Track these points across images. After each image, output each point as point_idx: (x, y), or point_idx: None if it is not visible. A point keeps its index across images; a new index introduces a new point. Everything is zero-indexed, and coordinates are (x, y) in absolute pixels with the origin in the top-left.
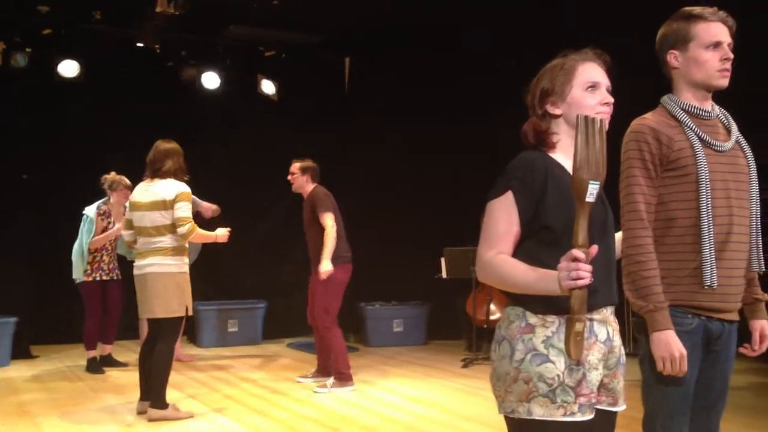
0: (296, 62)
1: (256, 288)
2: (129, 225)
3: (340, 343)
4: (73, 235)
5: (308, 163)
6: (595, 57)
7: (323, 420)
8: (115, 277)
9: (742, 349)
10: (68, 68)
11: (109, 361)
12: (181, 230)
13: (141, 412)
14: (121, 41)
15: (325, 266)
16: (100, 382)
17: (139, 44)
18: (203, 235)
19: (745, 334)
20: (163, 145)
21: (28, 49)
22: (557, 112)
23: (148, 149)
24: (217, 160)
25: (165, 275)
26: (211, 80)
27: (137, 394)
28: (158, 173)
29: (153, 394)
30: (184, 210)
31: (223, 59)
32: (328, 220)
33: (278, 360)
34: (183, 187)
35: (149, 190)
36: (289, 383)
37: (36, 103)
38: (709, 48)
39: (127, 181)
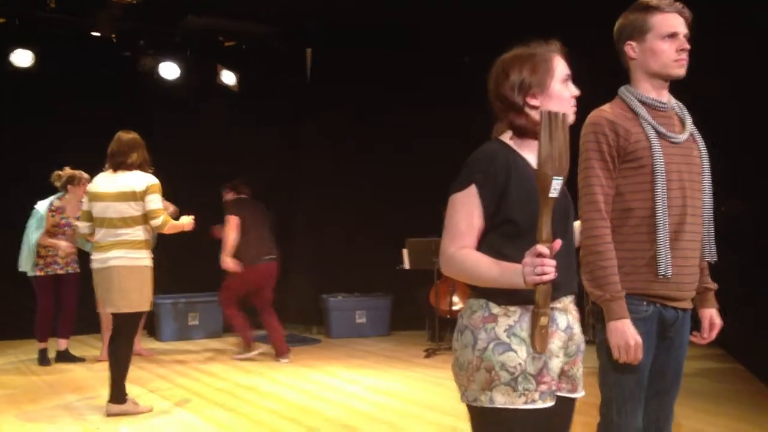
0: (257, 53)
1: (216, 281)
2: (87, 217)
3: (238, 321)
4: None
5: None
6: (561, 49)
7: (286, 412)
8: (71, 271)
9: (692, 337)
10: (22, 58)
11: (66, 357)
12: (155, 222)
13: (111, 414)
14: (77, 30)
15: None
16: (57, 378)
17: (95, 33)
18: (174, 226)
19: (695, 322)
20: (126, 136)
21: None
22: (537, 104)
23: (104, 141)
24: (176, 151)
25: (134, 269)
26: (169, 70)
27: (96, 391)
28: (123, 165)
29: (112, 388)
30: (156, 202)
31: (182, 49)
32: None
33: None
34: (153, 179)
35: (115, 181)
36: (251, 376)
37: None
38: (665, 38)
39: (88, 176)
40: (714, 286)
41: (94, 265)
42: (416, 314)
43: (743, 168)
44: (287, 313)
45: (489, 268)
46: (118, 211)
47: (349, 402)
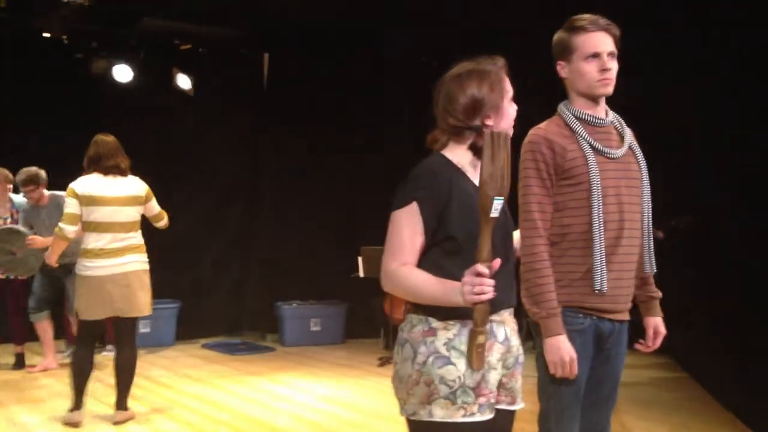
0: (213, 57)
1: (168, 287)
2: (76, 220)
3: None
4: None
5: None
6: (505, 67)
7: (234, 423)
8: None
9: (637, 346)
10: None
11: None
12: (163, 223)
13: (119, 422)
14: (27, 31)
15: None
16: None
17: (46, 35)
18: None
19: (640, 331)
20: (109, 139)
21: None
22: (491, 123)
23: (57, 143)
24: (130, 155)
25: (147, 273)
26: (123, 73)
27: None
28: (116, 170)
29: (123, 396)
30: (157, 205)
31: (135, 52)
32: None
33: (190, 361)
34: (145, 184)
35: (117, 186)
36: (200, 385)
37: None
38: (588, 59)
39: (8, 173)
40: (658, 294)
41: (102, 272)
42: (371, 322)
43: (697, 182)
44: (242, 321)
45: (429, 287)
46: (128, 215)
47: (299, 412)
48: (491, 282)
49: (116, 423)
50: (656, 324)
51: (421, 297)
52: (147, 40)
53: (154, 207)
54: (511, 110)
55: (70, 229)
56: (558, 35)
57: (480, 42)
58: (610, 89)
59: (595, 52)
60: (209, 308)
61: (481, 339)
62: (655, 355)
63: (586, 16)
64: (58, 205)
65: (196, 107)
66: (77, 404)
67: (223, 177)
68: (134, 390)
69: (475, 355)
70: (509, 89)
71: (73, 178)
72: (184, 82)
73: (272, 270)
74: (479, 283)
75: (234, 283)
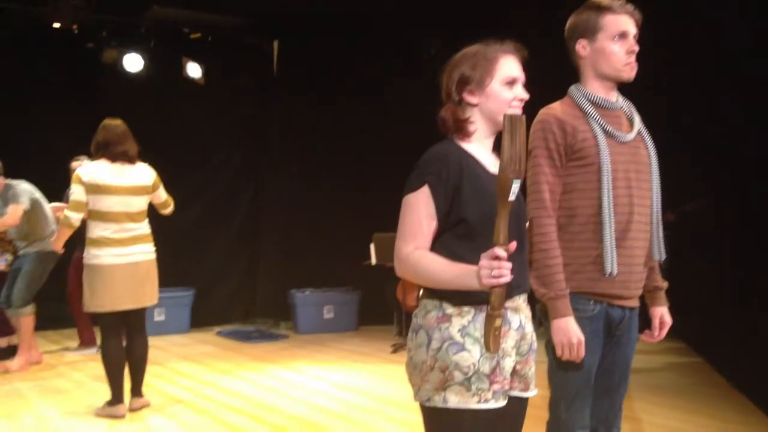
0: (223, 45)
1: (183, 275)
2: (81, 208)
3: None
4: None
5: None
6: (515, 51)
7: (248, 410)
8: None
9: (643, 336)
10: None
11: None
12: (168, 211)
13: (135, 409)
14: (37, 21)
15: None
16: None
17: (56, 25)
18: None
19: (646, 321)
20: (116, 124)
21: None
22: (474, 101)
23: (66, 133)
24: (141, 145)
25: (154, 263)
26: (133, 62)
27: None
28: (124, 157)
29: (138, 383)
30: (164, 192)
31: (146, 41)
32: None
33: (205, 349)
34: (153, 171)
35: (125, 174)
36: (215, 373)
37: None
38: (615, 39)
39: None
40: (664, 284)
41: (109, 260)
42: (384, 309)
43: (709, 167)
44: (255, 309)
45: (444, 271)
46: (136, 205)
47: (313, 399)
48: (508, 265)
49: (132, 410)
50: (662, 314)
51: (436, 281)
52: (157, 30)
53: (162, 195)
54: (503, 93)
55: (75, 217)
56: (581, 15)
57: (488, 28)
58: (632, 75)
59: (623, 31)
60: (223, 296)
61: (498, 322)
62: (668, 340)
63: None
64: (4, 196)
65: (206, 95)
66: (117, 397)
67: (234, 164)
68: (149, 377)
69: (492, 339)
70: (504, 71)
71: None
72: (194, 70)
73: (285, 257)
74: (497, 266)
75: (247, 271)
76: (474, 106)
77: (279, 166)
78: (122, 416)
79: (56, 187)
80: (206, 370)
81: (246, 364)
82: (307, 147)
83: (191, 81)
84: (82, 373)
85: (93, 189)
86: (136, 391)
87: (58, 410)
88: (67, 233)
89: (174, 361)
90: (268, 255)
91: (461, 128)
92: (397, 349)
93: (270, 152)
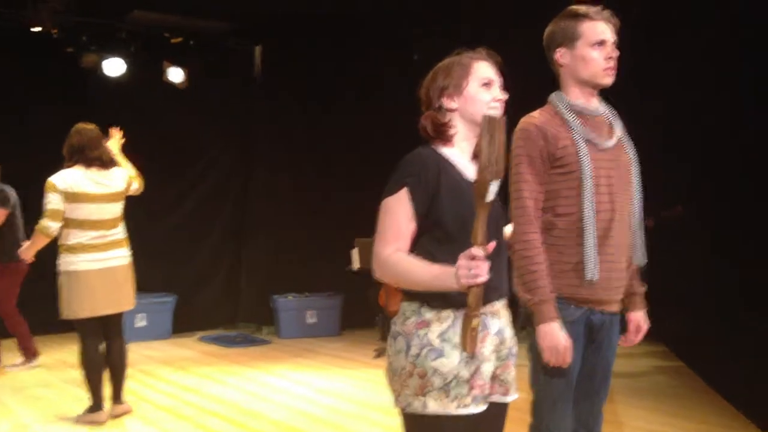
0: (205, 50)
1: (165, 281)
2: (59, 216)
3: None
4: None
5: None
6: (488, 56)
7: (231, 416)
8: None
9: (619, 341)
10: None
11: None
12: (140, 186)
13: (116, 415)
14: (16, 24)
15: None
16: None
17: (36, 28)
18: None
19: (623, 325)
20: (91, 128)
21: None
22: (453, 106)
23: (46, 138)
24: (123, 149)
25: (130, 267)
26: (114, 67)
27: None
28: (98, 162)
29: (120, 388)
30: (135, 181)
31: (126, 45)
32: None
33: (187, 354)
34: (124, 171)
35: (102, 182)
36: (197, 378)
37: None
38: (594, 46)
39: None
40: (642, 289)
41: (87, 266)
42: (367, 314)
43: (692, 171)
44: (238, 314)
45: (422, 272)
46: (112, 212)
47: (296, 404)
48: (486, 265)
49: (114, 416)
50: (638, 319)
51: (414, 282)
52: (137, 34)
53: (135, 187)
54: (483, 95)
55: (54, 226)
56: (558, 23)
57: (469, 34)
58: (611, 80)
59: (602, 40)
60: (205, 301)
61: (475, 322)
62: (649, 343)
63: (585, 6)
64: None
65: (188, 100)
66: (97, 403)
67: (216, 169)
68: (130, 383)
69: (469, 339)
70: (479, 74)
71: None
72: (175, 75)
73: (267, 262)
74: (475, 266)
75: (229, 276)
76: (453, 111)
77: (262, 171)
78: (103, 422)
79: (32, 191)
80: (188, 376)
81: (228, 369)
82: (290, 151)
83: (173, 85)
84: (62, 379)
85: (70, 198)
86: (117, 397)
87: (37, 417)
88: (43, 242)
89: (155, 367)
90: (251, 260)
91: (441, 132)
92: (380, 353)
93: (253, 157)
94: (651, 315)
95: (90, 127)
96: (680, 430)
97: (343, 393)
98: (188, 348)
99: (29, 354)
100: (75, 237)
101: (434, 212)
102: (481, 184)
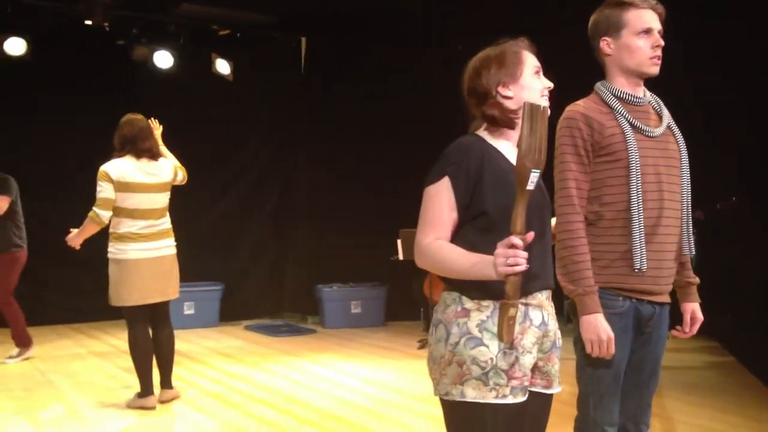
0: (252, 42)
1: (212, 270)
2: (110, 205)
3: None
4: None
5: None
6: (529, 45)
7: (276, 403)
8: None
9: (674, 332)
10: (15, 46)
11: None
12: (184, 176)
13: (165, 401)
14: (69, 18)
15: None
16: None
17: (88, 22)
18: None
19: (678, 317)
20: (141, 119)
21: None
22: (509, 94)
23: (97, 130)
24: (170, 141)
25: (175, 257)
26: (163, 59)
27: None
28: (148, 154)
29: (168, 374)
30: (180, 171)
31: (175, 38)
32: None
33: (234, 342)
34: (170, 161)
35: (151, 172)
36: (244, 366)
37: None
38: (640, 35)
39: None
40: (696, 280)
41: (137, 255)
42: (411, 304)
43: (744, 162)
44: (283, 303)
45: (461, 260)
46: (160, 202)
47: (340, 393)
48: (524, 254)
49: (163, 402)
50: (693, 310)
51: (453, 271)
52: (186, 26)
53: (179, 177)
54: (535, 83)
55: (105, 215)
56: (603, 12)
57: (510, 25)
58: (657, 69)
59: (648, 28)
60: (251, 291)
61: (512, 312)
62: (700, 338)
63: None
64: None
65: (235, 92)
66: (147, 389)
67: (262, 160)
68: (179, 370)
69: (506, 328)
70: (530, 62)
71: None
72: (223, 67)
73: (312, 253)
74: (513, 255)
75: (275, 266)
76: (509, 99)
77: (307, 162)
78: (152, 408)
79: (81, 180)
80: (235, 364)
81: (274, 358)
82: (335, 143)
83: (220, 77)
84: (114, 365)
85: (122, 187)
86: (166, 383)
87: (89, 402)
88: (93, 230)
89: (203, 355)
90: (297, 250)
91: (510, 121)
92: (423, 344)
93: (298, 148)
94: (702, 308)
95: (140, 117)
96: (729, 426)
97: (387, 383)
98: (235, 336)
99: (23, 343)
100: (125, 226)
101: (477, 201)
102: (521, 172)
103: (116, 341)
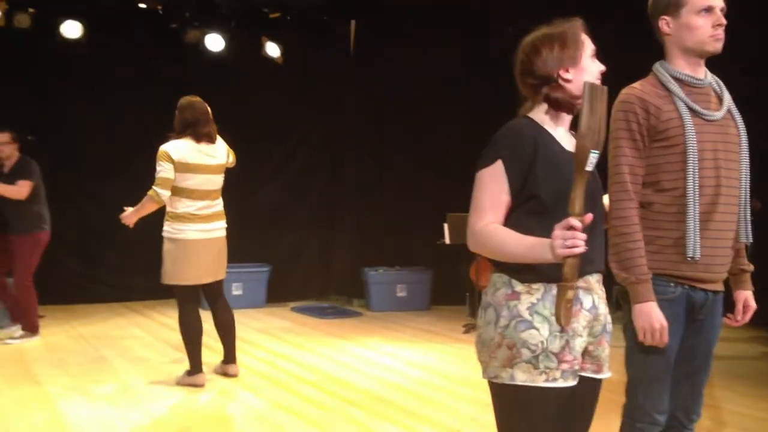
0: (301, 25)
1: (260, 252)
2: (169, 185)
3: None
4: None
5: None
6: (583, 26)
7: (321, 383)
8: None
9: (726, 320)
10: (71, 29)
11: None
12: (232, 159)
13: (232, 375)
14: (124, 2)
15: None
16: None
17: (142, 5)
18: None
19: (730, 304)
20: (201, 103)
21: (30, 10)
22: (569, 77)
23: (151, 110)
24: (221, 124)
25: (225, 238)
26: (215, 42)
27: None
28: (207, 137)
29: (233, 351)
30: (231, 155)
31: (227, 21)
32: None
33: (281, 323)
34: (226, 145)
35: (210, 153)
36: (291, 347)
37: (39, 65)
38: (701, 13)
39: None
40: (750, 267)
41: (194, 236)
42: (457, 289)
43: None
44: (329, 286)
45: (516, 243)
46: (217, 183)
47: (385, 375)
48: (583, 236)
49: (230, 375)
50: (746, 298)
51: (508, 254)
52: (237, 9)
53: (230, 159)
54: (592, 66)
55: (165, 194)
56: None
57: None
58: (720, 45)
59: (709, 6)
60: (298, 273)
61: (570, 294)
62: (754, 328)
63: None
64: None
65: (284, 75)
66: (196, 366)
67: (311, 143)
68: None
69: (564, 311)
70: (588, 45)
71: None
72: (273, 50)
73: (359, 236)
74: (571, 237)
75: (322, 249)
76: (569, 82)
77: (355, 145)
78: (201, 385)
79: (136, 158)
80: (282, 344)
81: (320, 340)
82: (383, 126)
83: (270, 60)
84: (165, 342)
85: (182, 168)
86: (231, 357)
87: (141, 378)
88: (151, 209)
89: (251, 334)
90: (344, 233)
91: (573, 106)
92: (469, 329)
93: (346, 131)
94: (756, 298)
95: (199, 100)
96: None
97: (432, 366)
98: (282, 317)
99: (30, 328)
100: (184, 206)
101: (530, 184)
102: (581, 152)
103: (166, 319)
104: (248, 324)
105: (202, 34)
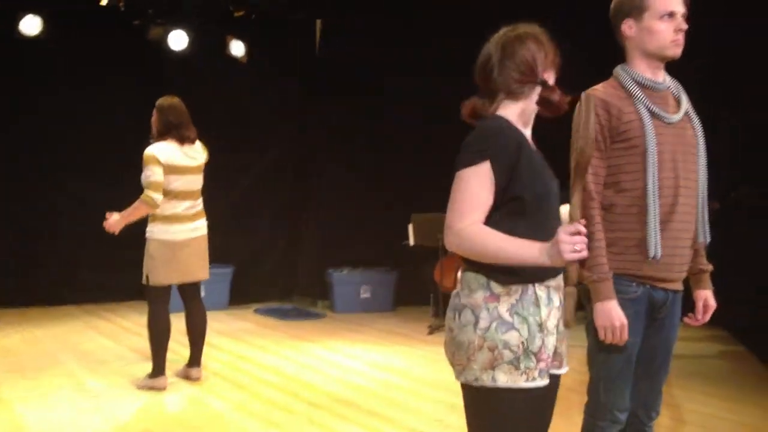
0: (267, 23)
1: (222, 252)
2: (160, 187)
3: None
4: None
5: None
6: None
7: (284, 386)
8: None
9: (686, 319)
10: (30, 25)
11: None
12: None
13: (196, 378)
14: None
15: None
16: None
17: (103, 2)
18: None
19: (690, 304)
20: (181, 105)
21: None
22: (551, 80)
23: (112, 111)
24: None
25: (207, 237)
26: (178, 40)
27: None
28: (189, 140)
29: (200, 353)
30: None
31: (191, 19)
32: None
33: (244, 325)
34: (200, 144)
35: (191, 155)
36: (253, 349)
37: None
38: (663, 18)
39: None
40: (709, 267)
41: (179, 236)
42: (421, 290)
43: (757, 151)
44: (293, 287)
45: (504, 245)
46: (199, 183)
47: (349, 377)
48: (585, 240)
49: (194, 379)
50: (706, 297)
51: (493, 255)
52: (201, 7)
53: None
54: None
55: (159, 197)
56: None
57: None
58: (679, 51)
59: (671, 11)
60: (261, 274)
61: (575, 296)
62: (711, 327)
63: None
64: None
65: (249, 74)
66: (159, 369)
67: (274, 144)
68: (187, 351)
69: (569, 314)
70: (554, 48)
71: (132, 146)
72: (237, 48)
73: (323, 237)
74: (580, 242)
75: (285, 250)
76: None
77: (320, 146)
78: (163, 388)
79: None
80: (244, 346)
81: (283, 342)
82: (349, 127)
83: (235, 59)
84: (123, 345)
85: (169, 170)
86: (196, 361)
87: (100, 381)
88: (144, 213)
89: (213, 336)
90: (308, 234)
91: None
92: (433, 330)
93: (311, 131)
94: (714, 297)
95: (178, 101)
96: (738, 414)
97: (396, 368)
98: (244, 319)
99: None
100: (172, 207)
101: (513, 186)
102: (583, 160)
103: (126, 323)
104: (210, 326)
105: (165, 32)
